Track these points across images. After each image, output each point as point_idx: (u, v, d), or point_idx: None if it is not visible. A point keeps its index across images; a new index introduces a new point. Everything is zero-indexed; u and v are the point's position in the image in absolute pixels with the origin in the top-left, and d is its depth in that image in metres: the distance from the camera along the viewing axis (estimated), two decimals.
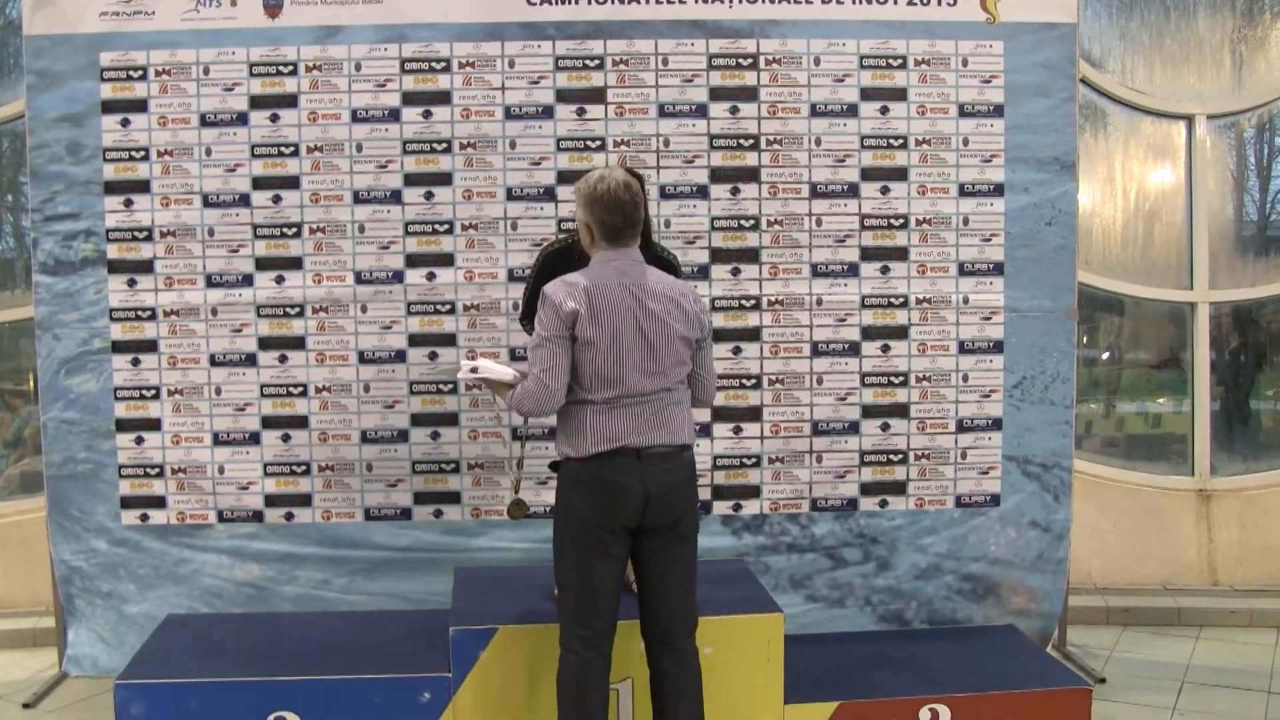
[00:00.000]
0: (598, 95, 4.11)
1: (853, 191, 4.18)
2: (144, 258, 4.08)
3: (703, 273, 4.15)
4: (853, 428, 4.24)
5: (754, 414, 4.21)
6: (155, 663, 3.53)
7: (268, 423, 4.14)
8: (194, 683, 3.36)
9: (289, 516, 4.16)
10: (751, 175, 4.16)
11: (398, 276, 4.12)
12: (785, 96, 4.15)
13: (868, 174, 4.18)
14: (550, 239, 3.79)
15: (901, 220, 4.20)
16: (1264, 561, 5.21)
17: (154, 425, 4.12)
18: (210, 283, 4.10)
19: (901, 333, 4.22)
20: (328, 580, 4.17)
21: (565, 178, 4.05)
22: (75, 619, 4.14)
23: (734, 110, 4.14)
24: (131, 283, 4.08)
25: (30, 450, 5.15)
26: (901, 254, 4.20)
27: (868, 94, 4.17)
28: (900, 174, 4.19)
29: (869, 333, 4.21)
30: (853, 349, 4.22)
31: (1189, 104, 5.34)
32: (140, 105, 4.05)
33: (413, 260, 4.12)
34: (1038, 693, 3.57)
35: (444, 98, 4.09)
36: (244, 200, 4.09)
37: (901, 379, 4.24)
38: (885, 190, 4.19)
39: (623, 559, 2.96)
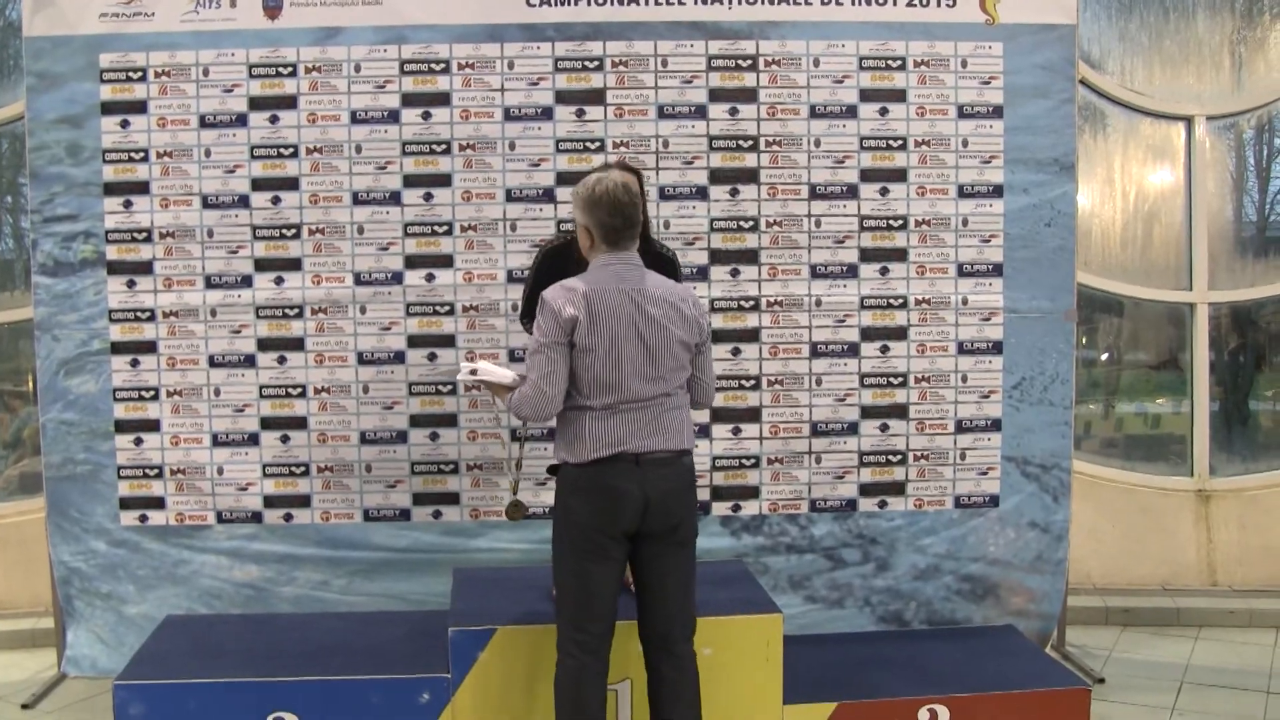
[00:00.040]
0: (597, 96, 4.12)
1: (852, 193, 4.19)
2: (143, 259, 4.08)
3: (702, 274, 4.15)
4: (852, 428, 4.24)
5: (753, 415, 4.22)
6: (154, 663, 3.53)
7: (267, 424, 4.15)
8: (193, 683, 3.36)
9: (288, 517, 4.17)
10: (751, 176, 4.16)
11: (397, 278, 4.12)
12: (784, 98, 4.15)
13: (867, 175, 4.19)
14: (549, 238, 3.79)
15: (901, 221, 4.20)
16: (1263, 562, 5.21)
17: (153, 426, 4.12)
18: (209, 284, 4.10)
19: (901, 334, 4.23)
20: (327, 581, 4.17)
21: (564, 179, 4.05)
22: (74, 620, 4.14)
23: (733, 111, 4.14)
24: (131, 284, 4.09)
25: (29, 451, 5.14)
26: (901, 255, 4.21)
27: (867, 95, 4.17)
28: (899, 175, 4.19)
29: (868, 334, 4.22)
30: (852, 350, 4.22)
31: (1188, 105, 5.35)
32: (140, 106, 4.05)
33: (412, 261, 4.12)
34: (1037, 693, 3.57)
35: (443, 99, 4.09)
36: (243, 201, 4.09)
37: (900, 380, 4.24)
38: (884, 191, 4.19)
39: (621, 564, 2.96)
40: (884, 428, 4.24)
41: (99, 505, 4.12)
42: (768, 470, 4.23)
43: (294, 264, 4.11)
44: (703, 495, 4.16)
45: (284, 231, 4.10)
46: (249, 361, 4.13)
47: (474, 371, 3.11)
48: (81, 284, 4.08)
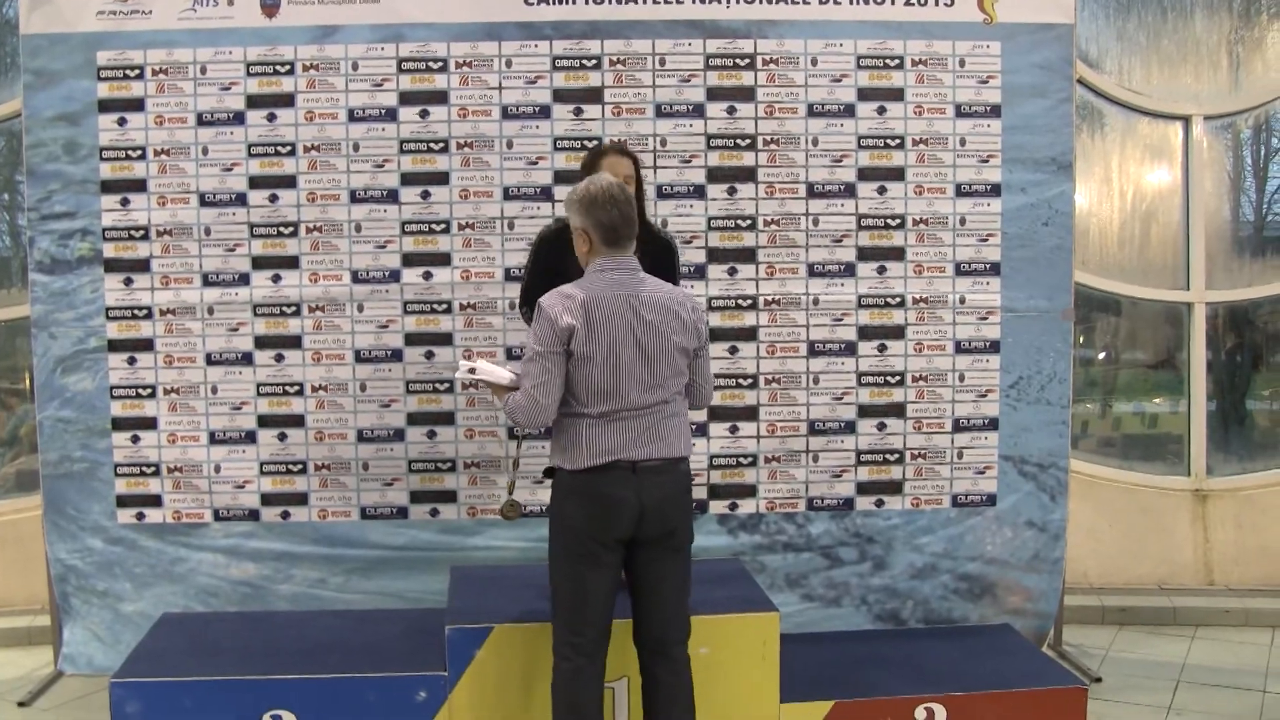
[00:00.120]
0: (595, 95, 4.12)
1: (849, 191, 4.19)
2: (140, 257, 4.08)
3: (699, 272, 4.15)
4: (849, 427, 4.24)
5: (750, 413, 4.21)
6: (151, 661, 3.53)
7: (264, 421, 4.14)
8: (189, 681, 3.35)
9: (285, 515, 4.16)
10: (748, 175, 4.16)
11: (394, 276, 4.12)
12: (782, 96, 4.15)
13: (864, 174, 4.19)
14: (547, 225, 3.75)
15: (898, 220, 4.20)
16: (1260, 561, 5.22)
17: (150, 424, 4.12)
18: (207, 282, 4.10)
19: (898, 332, 4.23)
20: (324, 579, 4.17)
21: (562, 177, 4.05)
22: (71, 617, 4.14)
23: (731, 110, 4.14)
24: (128, 281, 4.08)
25: (26, 449, 5.14)
26: (898, 254, 4.21)
27: (865, 94, 4.17)
28: (897, 174, 4.19)
29: (865, 332, 4.22)
30: (849, 349, 4.22)
31: (1186, 105, 5.35)
32: (137, 104, 4.04)
33: (409, 259, 4.12)
34: (1033, 692, 3.57)
35: (441, 97, 4.09)
36: (240, 199, 4.08)
37: (898, 379, 4.24)
38: (882, 190, 4.19)
39: (616, 568, 2.94)
40: (881, 426, 4.24)
41: (96, 503, 4.11)
42: (765, 469, 4.23)
43: (291, 262, 4.10)
44: (700, 493, 4.16)
45: (281, 229, 4.09)
46: (246, 359, 4.12)
47: (472, 370, 3.09)
48: (78, 281, 4.07)
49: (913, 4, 4.15)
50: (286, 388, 4.14)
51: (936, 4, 4.16)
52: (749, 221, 4.17)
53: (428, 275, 4.12)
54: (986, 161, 4.20)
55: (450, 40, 4.08)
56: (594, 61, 4.11)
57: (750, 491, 4.24)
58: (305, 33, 4.05)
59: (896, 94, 4.17)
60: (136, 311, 4.09)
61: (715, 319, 4.13)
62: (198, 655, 3.56)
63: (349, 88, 4.08)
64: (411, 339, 4.13)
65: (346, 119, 4.08)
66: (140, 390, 4.11)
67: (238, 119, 4.06)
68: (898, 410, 4.25)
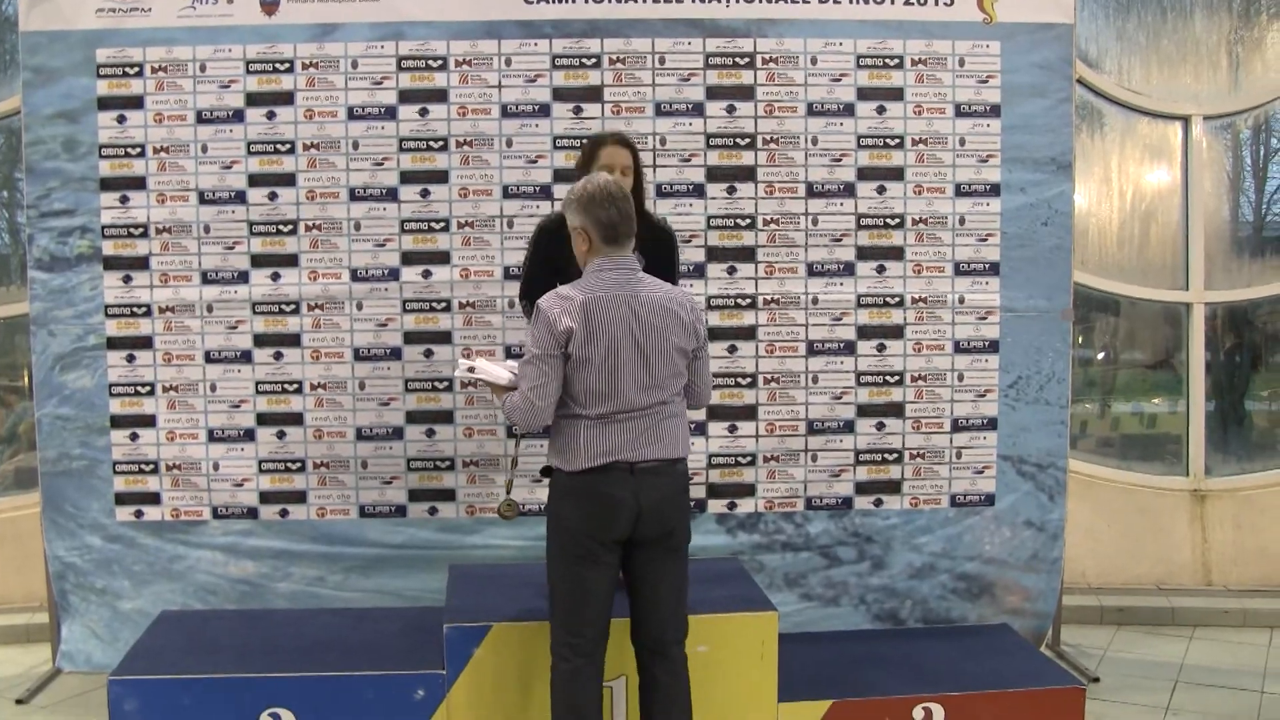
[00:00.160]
0: (594, 94, 4.11)
1: (849, 191, 4.19)
2: (139, 254, 4.08)
3: (699, 271, 4.15)
4: (848, 427, 4.24)
5: (749, 412, 4.21)
6: (149, 659, 3.52)
7: (263, 419, 4.14)
8: (188, 679, 3.35)
9: (283, 513, 4.16)
10: (748, 174, 4.16)
11: (393, 274, 4.12)
12: (782, 96, 4.15)
13: (864, 173, 4.18)
14: (547, 216, 3.72)
15: (897, 220, 4.20)
16: (1258, 562, 5.22)
17: (149, 422, 4.12)
18: (206, 279, 4.10)
19: (897, 332, 4.23)
20: (322, 577, 4.17)
21: (561, 176, 4.05)
22: (69, 615, 4.14)
23: (730, 109, 4.14)
24: (127, 279, 4.08)
25: (25, 446, 5.14)
26: (897, 253, 4.21)
27: (864, 94, 4.17)
28: (896, 174, 4.19)
29: (864, 332, 4.22)
30: (848, 348, 4.22)
31: (1185, 105, 5.35)
32: (136, 102, 4.04)
33: (409, 258, 4.12)
34: (1031, 692, 3.57)
35: (440, 95, 4.09)
36: (240, 197, 4.08)
37: (897, 378, 4.24)
38: (881, 190, 4.19)
39: (614, 569, 2.94)
40: (880, 426, 4.25)
41: (94, 500, 4.11)
42: (764, 468, 4.23)
43: (290, 260, 4.10)
44: (698, 493, 4.16)
45: (280, 227, 4.09)
46: (245, 357, 4.12)
47: (471, 369, 3.09)
48: (77, 279, 4.07)
49: (912, 3, 4.15)
50: (285, 386, 4.14)
51: (936, 3, 4.15)
52: (748, 221, 4.17)
53: (427, 273, 4.12)
54: (986, 161, 4.20)
55: (450, 38, 4.07)
56: (593, 60, 4.11)
57: (749, 491, 4.24)
58: (305, 30, 4.05)
59: (896, 93, 4.17)
60: (135, 309, 4.09)
61: (714, 318, 4.13)
62: (196, 653, 3.56)
63: (348, 86, 4.07)
64: (410, 337, 4.13)
65: (346, 117, 4.08)
66: (139, 388, 4.11)
67: (237, 117, 4.06)
68: (896, 410, 4.25)
